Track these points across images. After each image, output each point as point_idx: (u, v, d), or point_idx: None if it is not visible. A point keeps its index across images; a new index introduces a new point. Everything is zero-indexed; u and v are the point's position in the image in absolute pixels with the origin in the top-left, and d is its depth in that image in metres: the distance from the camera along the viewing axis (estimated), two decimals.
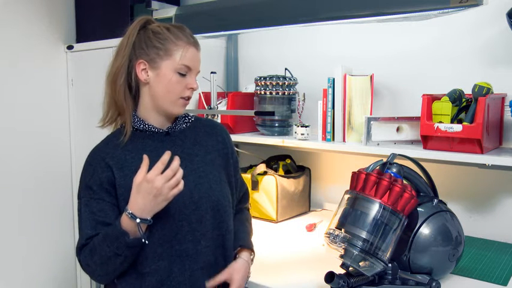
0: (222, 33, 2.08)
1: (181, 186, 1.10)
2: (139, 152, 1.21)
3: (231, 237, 1.29)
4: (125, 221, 1.11)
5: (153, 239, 1.17)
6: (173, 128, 1.29)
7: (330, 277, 1.18)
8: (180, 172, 1.10)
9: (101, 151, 1.23)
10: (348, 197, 1.25)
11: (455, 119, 1.60)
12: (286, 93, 2.04)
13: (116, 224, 1.12)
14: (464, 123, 1.53)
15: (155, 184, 1.07)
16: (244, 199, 1.46)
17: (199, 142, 1.31)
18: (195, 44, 1.24)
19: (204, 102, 2.02)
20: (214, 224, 1.25)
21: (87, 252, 1.16)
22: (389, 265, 1.24)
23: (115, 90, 1.22)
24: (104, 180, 1.19)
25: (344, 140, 1.83)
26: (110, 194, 1.19)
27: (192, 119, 1.34)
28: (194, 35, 1.25)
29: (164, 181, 1.07)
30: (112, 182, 1.19)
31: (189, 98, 1.25)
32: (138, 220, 1.09)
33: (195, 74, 1.24)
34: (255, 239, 1.36)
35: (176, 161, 1.09)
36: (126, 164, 1.20)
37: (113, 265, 1.15)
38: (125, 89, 1.22)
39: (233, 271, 1.25)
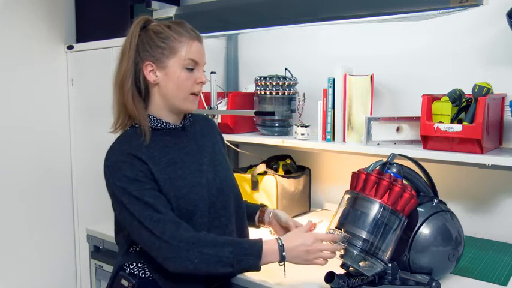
0: (222, 33, 2.08)
1: (323, 260, 1.20)
2: (162, 149, 1.24)
3: (246, 222, 1.39)
4: (271, 246, 1.15)
5: (193, 229, 1.19)
6: (186, 123, 1.32)
7: (330, 277, 1.18)
8: (333, 249, 1.19)
9: (126, 149, 1.21)
10: (348, 197, 1.25)
11: (455, 119, 1.60)
12: (286, 93, 2.03)
13: (258, 242, 1.15)
14: (464, 123, 1.53)
15: (316, 244, 1.17)
16: None
17: (205, 134, 1.37)
18: (198, 38, 1.25)
19: (204, 102, 2.01)
20: (235, 209, 1.31)
21: (203, 241, 1.13)
22: (389, 265, 1.24)
23: (123, 94, 1.23)
24: (146, 172, 1.18)
25: (344, 140, 1.83)
26: (157, 184, 1.19)
27: (190, 114, 1.38)
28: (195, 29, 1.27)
29: (322, 248, 1.17)
30: (153, 175, 1.19)
31: (198, 93, 1.27)
32: (284, 253, 1.15)
33: (202, 67, 1.26)
34: None
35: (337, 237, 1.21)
36: (155, 160, 1.21)
37: (213, 269, 1.12)
38: (133, 92, 1.23)
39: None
